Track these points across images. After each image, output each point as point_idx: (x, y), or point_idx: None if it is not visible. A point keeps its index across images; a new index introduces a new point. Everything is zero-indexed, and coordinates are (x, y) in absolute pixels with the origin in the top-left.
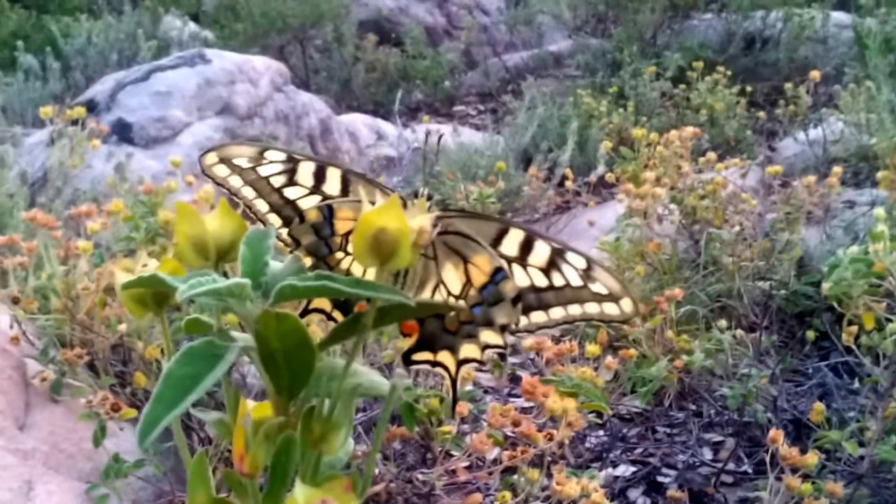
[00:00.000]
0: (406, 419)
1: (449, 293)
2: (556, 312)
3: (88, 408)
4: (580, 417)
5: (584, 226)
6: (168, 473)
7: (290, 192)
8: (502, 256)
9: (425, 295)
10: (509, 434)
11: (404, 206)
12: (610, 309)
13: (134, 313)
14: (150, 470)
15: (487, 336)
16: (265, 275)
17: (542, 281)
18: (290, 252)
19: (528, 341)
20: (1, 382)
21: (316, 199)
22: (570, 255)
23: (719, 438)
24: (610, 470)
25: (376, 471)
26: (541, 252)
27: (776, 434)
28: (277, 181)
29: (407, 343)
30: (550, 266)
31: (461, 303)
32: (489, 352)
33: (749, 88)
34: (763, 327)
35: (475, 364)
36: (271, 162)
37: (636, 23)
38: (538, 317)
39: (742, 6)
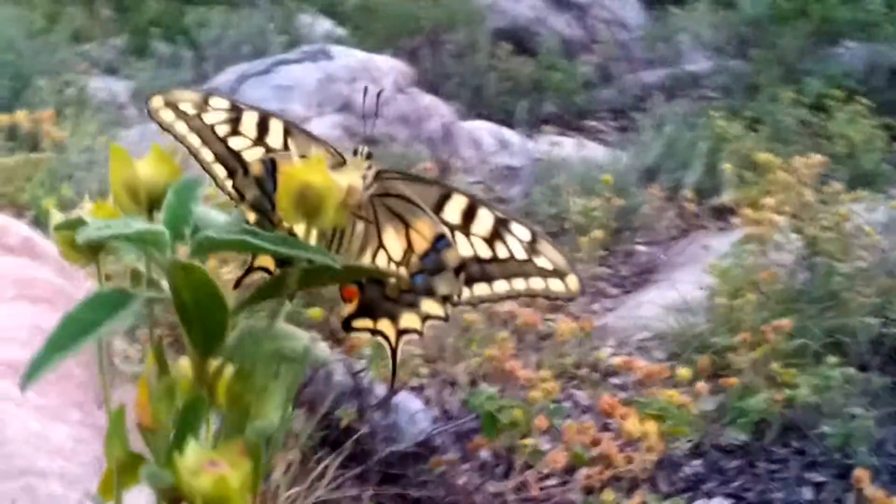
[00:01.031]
0: (487, 428)
1: (390, 259)
2: (500, 286)
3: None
4: (661, 442)
5: (701, 250)
6: None
7: (234, 143)
8: (445, 223)
9: (366, 260)
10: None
11: (344, 164)
12: (555, 285)
13: (67, 258)
14: None
15: (429, 306)
16: (188, 224)
17: (485, 252)
18: (236, 207)
19: (617, 359)
20: (86, 357)
21: (260, 151)
22: (514, 226)
23: (821, 479)
24: (704, 501)
25: (461, 480)
26: (484, 220)
27: (861, 474)
28: (222, 130)
29: (347, 309)
30: (494, 236)
31: (397, 268)
32: (430, 322)
33: (891, 122)
34: (875, 367)
35: (415, 334)
36: (215, 110)
37: (777, 46)
38: (481, 289)
39: (890, 36)
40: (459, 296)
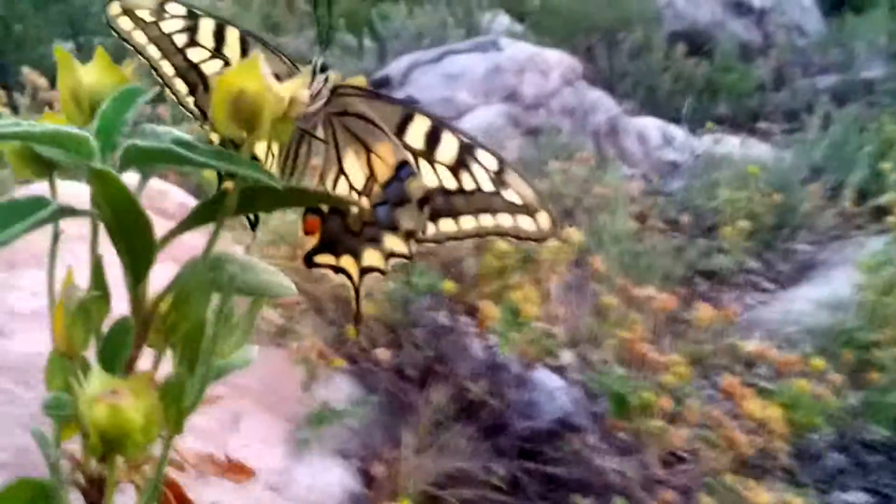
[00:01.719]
0: (616, 408)
1: (351, 187)
2: (467, 222)
3: (299, 353)
4: (788, 429)
5: (859, 250)
6: (374, 426)
7: (192, 54)
8: (407, 148)
9: (326, 187)
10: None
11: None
12: (524, 223)
13: (18, 173)
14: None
15: (392, 242)
16: (120, 133)
17: (451, 182)
18: (200, 126)
19: (752, 348)
20: None
21: (218, 63)
22: (480, 153)
23: None
24: (840, 493)
25: (596, 460)
26: (448, 146)
27: None
28: (180, 40)
29: (309, 244)
30: (459, 164)
31: (358, 198)
32: (393, 261)
33: None
34: None
35: (380, 274)
36: (173, 17)
37: None
38: (447, 225)
39: None
40: (424, 231)
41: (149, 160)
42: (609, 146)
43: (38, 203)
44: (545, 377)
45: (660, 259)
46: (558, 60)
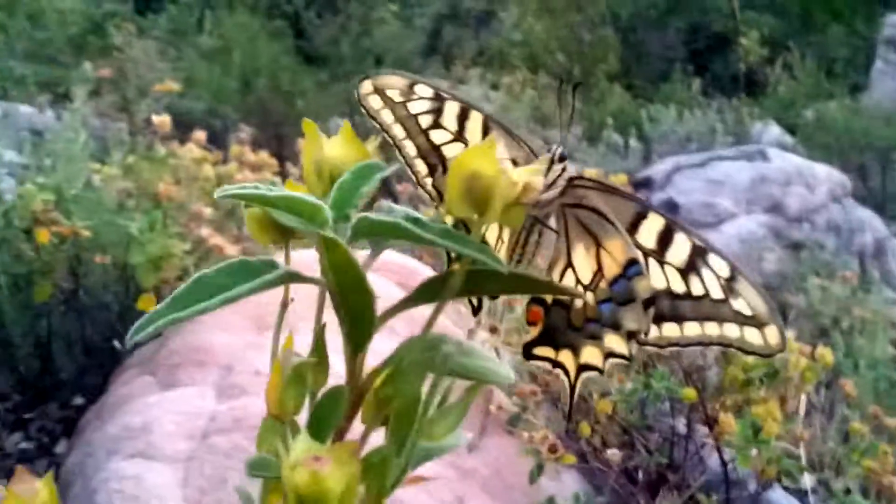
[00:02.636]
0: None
1: (578, 281)
2: (691, 328)
3: (529, 444)
4: None
5: None
6: None
7: (435, 136)
8: (638, 246)
9: (553, 278)
10: None
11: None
12: (752, 336)
13: (255, 237)
14: None
15: (612, 342)
16: (355, 206)
17: (679, 285)
18: (435, 207)
19: None
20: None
21: (459, 146)
22: (712, 258)
23: None
24: None
25: None
26: (681, 247)
27: None
28: (425, 121)
29: (530, 334)
30: (690, 268)
31: (584, 292)
32: (612, 361)
33: None
34: None
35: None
36: (420, 98)
37: None
38: (670, 330)
39: None
40: (647, 334)
41: (378, 233)
42: (874, 268)
43: (268, 266)
44: (782, 499)
45: None
46: (827, 175)
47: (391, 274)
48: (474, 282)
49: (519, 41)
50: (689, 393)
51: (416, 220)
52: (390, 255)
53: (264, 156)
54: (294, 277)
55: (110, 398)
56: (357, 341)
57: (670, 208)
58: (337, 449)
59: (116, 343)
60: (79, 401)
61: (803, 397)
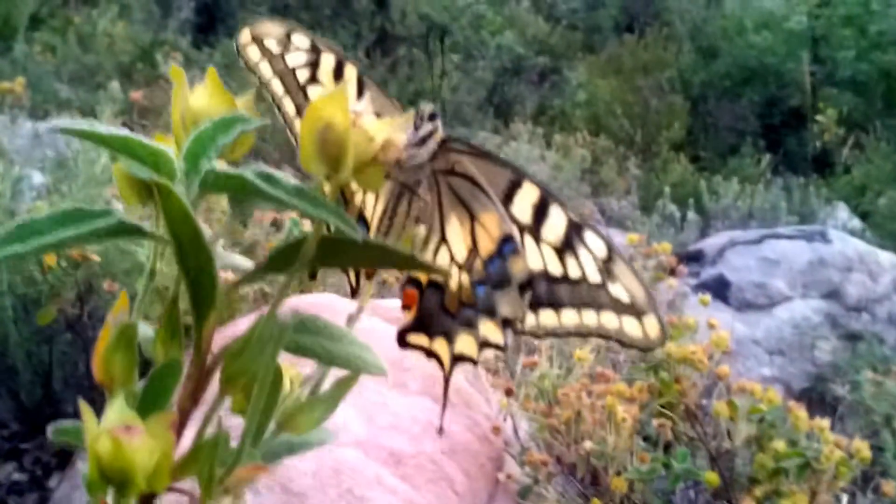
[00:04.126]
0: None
1: (452, 259)
2: (568, 316)
3: None
4: None
5: None
6: None
7: (313, 93)
8: (513, 220)
9: (426, 256)
10: None
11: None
12: (630, 327)
13: (123, 196)
14: None
15: (488, 330)
16: (209, 157)
17: (556, 267)
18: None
19: None
20: (471, 467)
21: None
22: (589, 236)
23: None
24: None
25: None
26: (557, 222)
27: None
28: (302, 76)
29: (404, 319)
30: (566, 246)
31: (458, 272)
32: (486, 351)
33: None
34: None
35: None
36: (297, 49)
37: None
38: (547, 317)
39: None
40: (523, 321)
41: (224, 189)
42: None
43: (102, 214)
44: None
45: None
46: (892, 264)
47: (387, 311)
48: (330, 251)
49: (582, 101)
50: (712, 477)
51: (267, 177)
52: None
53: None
54: (128, 230)
55: None
56: (200, 307)
57: (721, 285)
58: (153, 420)
59: None
60: None
61: (844, 498)
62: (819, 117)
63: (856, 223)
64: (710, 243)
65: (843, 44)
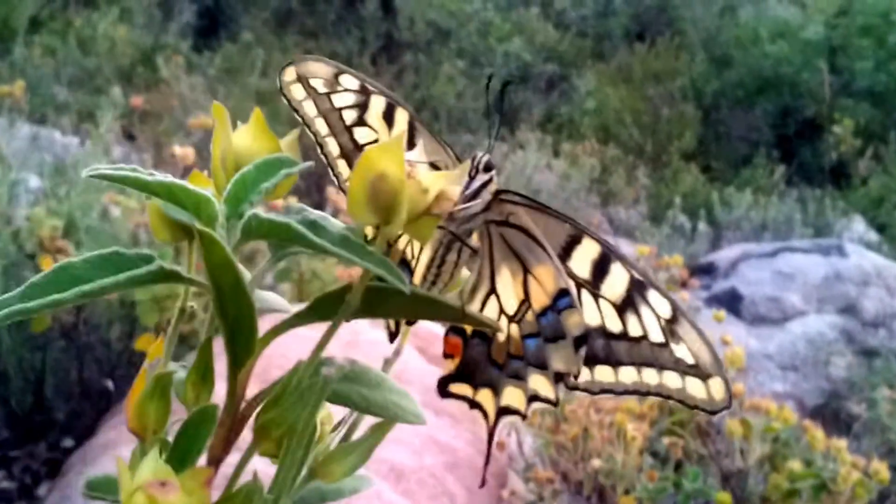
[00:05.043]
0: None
1: (501, 311)
2: (627, 374)
3: None
4: None
5: None
6: None
7: (359, 134)
8: (570, 275)
9: (473, 307)
10: None
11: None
12: (694, 388)
13: (157, 234)
14: None
15: (537, 383)
16: (251, 201)
17: (614, 323)
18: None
19: None
20: (473, 483)
21: None
22: (652, 295)
23: None
24: None
25: None
26: (618, 279)
27: None
28: (349, 117)
29: (447, 367)
30: (627, 304)
31: (508, 325)
32: (535, 406)
33: None
34: None
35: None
36: (346, 90)
37: None
38: (603, 374)
39: None
40: (576, 377)
41: (268, 235)
42: None
43: (142, 261)
44: None
45: None
46: None
47: (413, 338)
48: (375, 300)
49: (591, 109)
50: (724, 498)
51: (312, 224)
52: (420, 323)
53: (293, 200)
54: (169, 276)
55: (97, 441)
56: (238, 355)
57: (733, 299)
58: (188, 476)
59: (110, 383)
60: (68, 443)
61: None
62: (835, 128)
63: (872, 236)
64: (722, 256)
65: (861, 54)
